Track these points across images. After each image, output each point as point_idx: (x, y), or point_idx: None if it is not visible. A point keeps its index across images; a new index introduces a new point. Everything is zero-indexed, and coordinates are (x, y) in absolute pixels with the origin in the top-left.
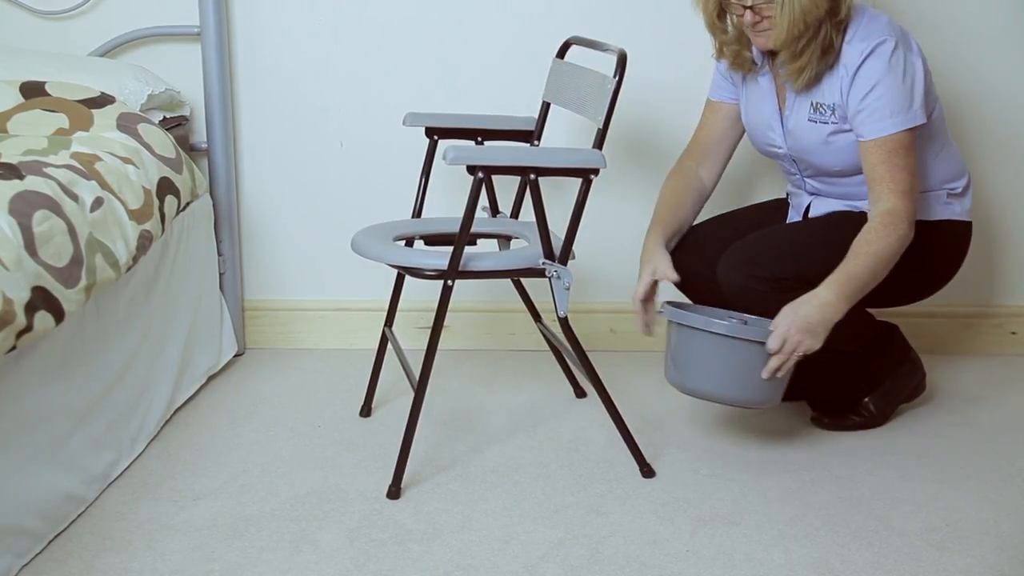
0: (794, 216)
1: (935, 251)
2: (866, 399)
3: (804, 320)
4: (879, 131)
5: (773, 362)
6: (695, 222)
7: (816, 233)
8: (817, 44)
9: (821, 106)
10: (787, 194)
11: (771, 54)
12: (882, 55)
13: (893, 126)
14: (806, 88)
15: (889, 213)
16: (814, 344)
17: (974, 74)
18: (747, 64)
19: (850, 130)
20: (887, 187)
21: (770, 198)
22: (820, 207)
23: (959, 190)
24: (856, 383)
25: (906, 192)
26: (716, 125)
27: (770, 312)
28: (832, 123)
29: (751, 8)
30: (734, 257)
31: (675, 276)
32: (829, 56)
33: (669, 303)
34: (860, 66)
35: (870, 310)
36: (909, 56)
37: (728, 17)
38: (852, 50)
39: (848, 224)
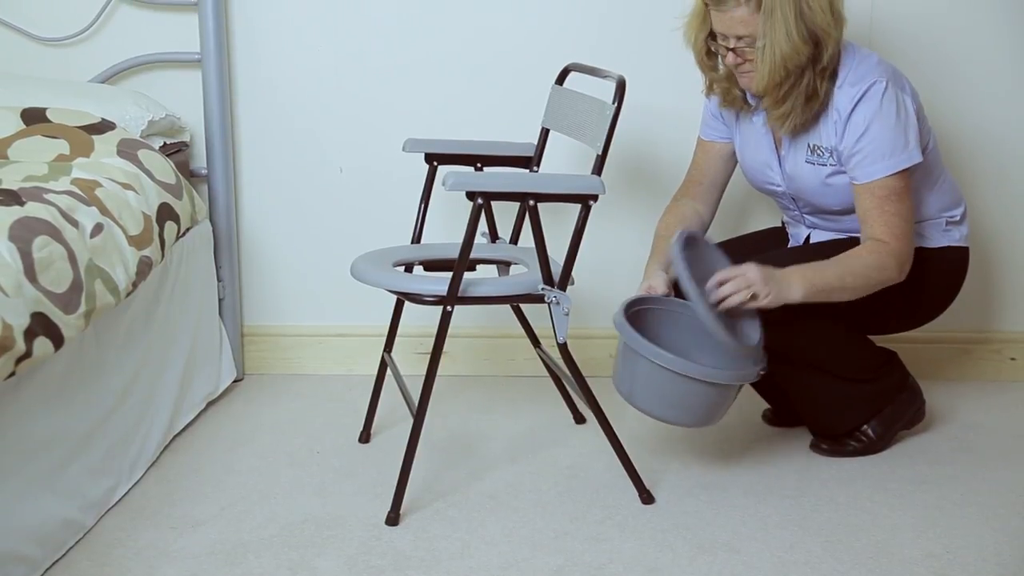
0: (795, 245)
1: (935, 277)
2: (865, 425)
3: (763, 268)
4: (871, 175)
5: (726, 294)
6: None
7: (819, 256)
8: (800, 91)
9: (818, 148)
10: (783, 222)
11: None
12: (873, 97)
13: (886, 169)
14: (794, 133)
15: (877, 241)
16: (766, 289)
17: (969, 105)
18: (738, 102)
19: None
20: (879, 228)
21: (766, 226)
22: (820, 238)
23: (957, 218)
24: (855, 409)
25: (899, 235)
26: (708, 164)
27: (776, 339)
28: (831, 165)
29: (733, 50)
30: None
31: (665, 289)
32: (814, 103)
33: (633, 301)
34: (853, 110)
35: (870, 337)
36: (901, 96)
37: (718, 55)
38: (844, 95)
39: (851, 248)
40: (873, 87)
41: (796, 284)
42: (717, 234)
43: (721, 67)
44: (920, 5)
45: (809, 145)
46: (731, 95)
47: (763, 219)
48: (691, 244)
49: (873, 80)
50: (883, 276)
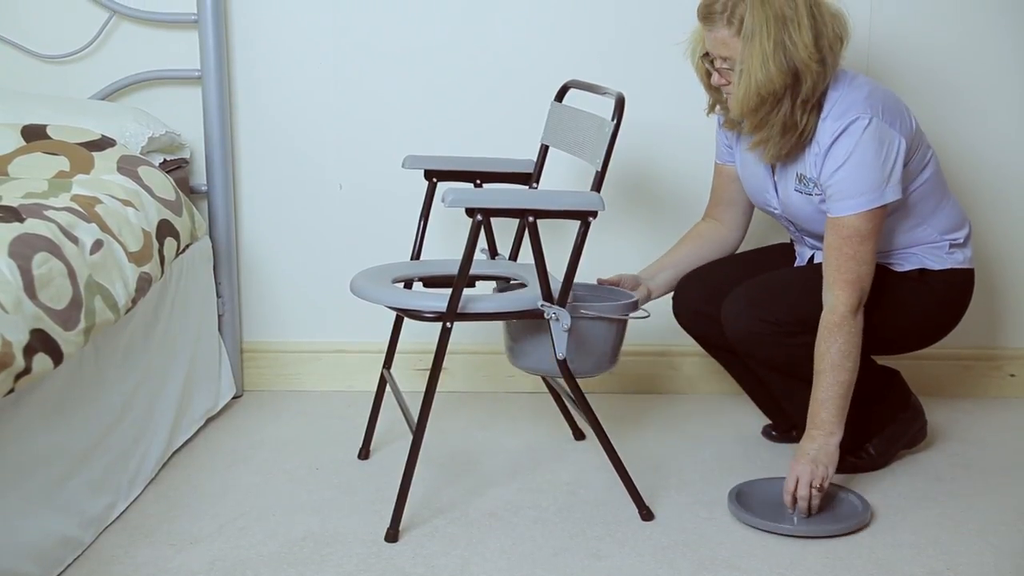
0: (799, 264)
1: (940, 299)
2: (867, 443)
3: (803, 455)
4: (840, 211)
5: (801, 504)
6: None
7: (820, 278)
8: (777, 120)
9: (804, 178)
10: (791, 239)
11: None
12: (853, 133)
13: (856, 206)
14: (775, 161)
15: (832, 311)
16: (821, 471)
17: (968, 125)
18: (736, 124)
19: None
20: (832, 275)
21: (778, 241)
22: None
23: (961, 240)
24: (857, 428)
25: (850, 281)
26: (725, 187)
27: (775, 356)
28: (816, 195)
29: (718, 71)
30: (739, 300)
31: (622, 282)
32: (791, 134)
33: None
34: (832, 145)
35: (873, 356)
36: (887, 132)
37: None
38: (825, 128)
39: None
40: (855, 123)
41: (831, 433)
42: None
43: None
44: (919, 26)
45: (797, 174)
46: (731, 116)
47: (776, 234)
48: (745, 495)
49: (856, 116)
50: (856, 339)
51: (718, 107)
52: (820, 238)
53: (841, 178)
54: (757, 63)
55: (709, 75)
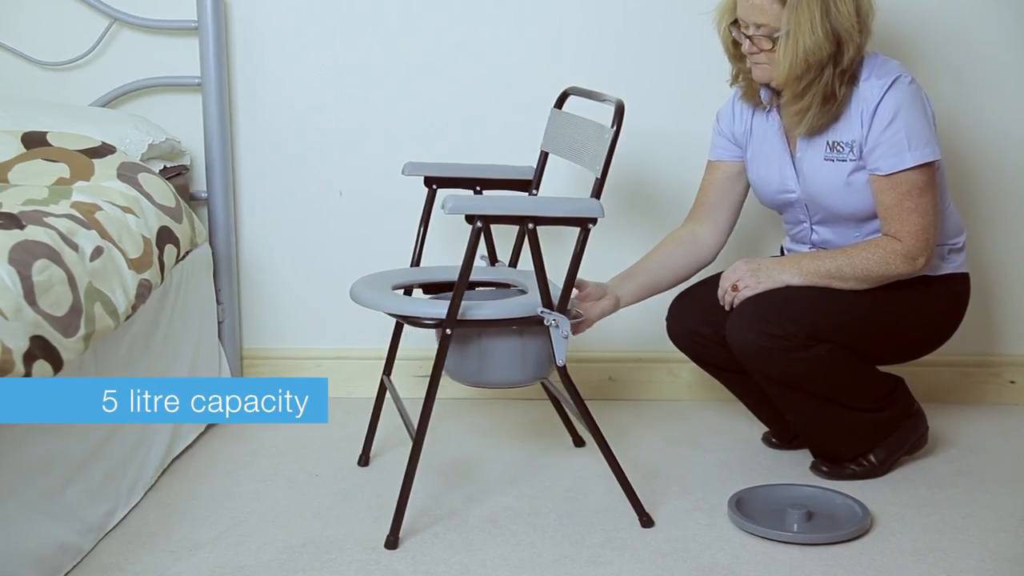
0: None
1: (942, 304)
2: (869, 452)
3: (752, 260)
4: (894, 166)
5: (718, 294)
6: (692, 281)
7: (826, 289)
8: (819, 88)
9: (839, 144)
10: (783, 250)
11: (777, 94)
12: (900, 88)
13: (912, 159)
14: (810, 133)
15: (889, 238)
16: (750, 278)
17: (967, 128)
18: (757, 96)
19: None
20: (895, 226)
21: (770, 250)
22: None
23: (959, 245)
24: (861, 438)
25: (914, 232)
26: (715, 184)
27: (785, 372)
28: (851, 160)
29: (750, 38)
30: (744, 315)
31: (594, 295)
32: (831, 104)
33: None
34: (881, 100)
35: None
36: (924, 96)
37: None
38: (870, 86)
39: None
40: (900, 79)
41: (789, 269)
42: (721, 263)
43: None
44: (916, 29)
45: (828, 142)
46: (753, 88)
47: (762, 242)
48: (745, 501)
49: (899, 74)
50: (886, 271)
51: (740, 77)
52: (835, 223)
53: (895, 131)
54: (806, 28)
55: (736, 44)
